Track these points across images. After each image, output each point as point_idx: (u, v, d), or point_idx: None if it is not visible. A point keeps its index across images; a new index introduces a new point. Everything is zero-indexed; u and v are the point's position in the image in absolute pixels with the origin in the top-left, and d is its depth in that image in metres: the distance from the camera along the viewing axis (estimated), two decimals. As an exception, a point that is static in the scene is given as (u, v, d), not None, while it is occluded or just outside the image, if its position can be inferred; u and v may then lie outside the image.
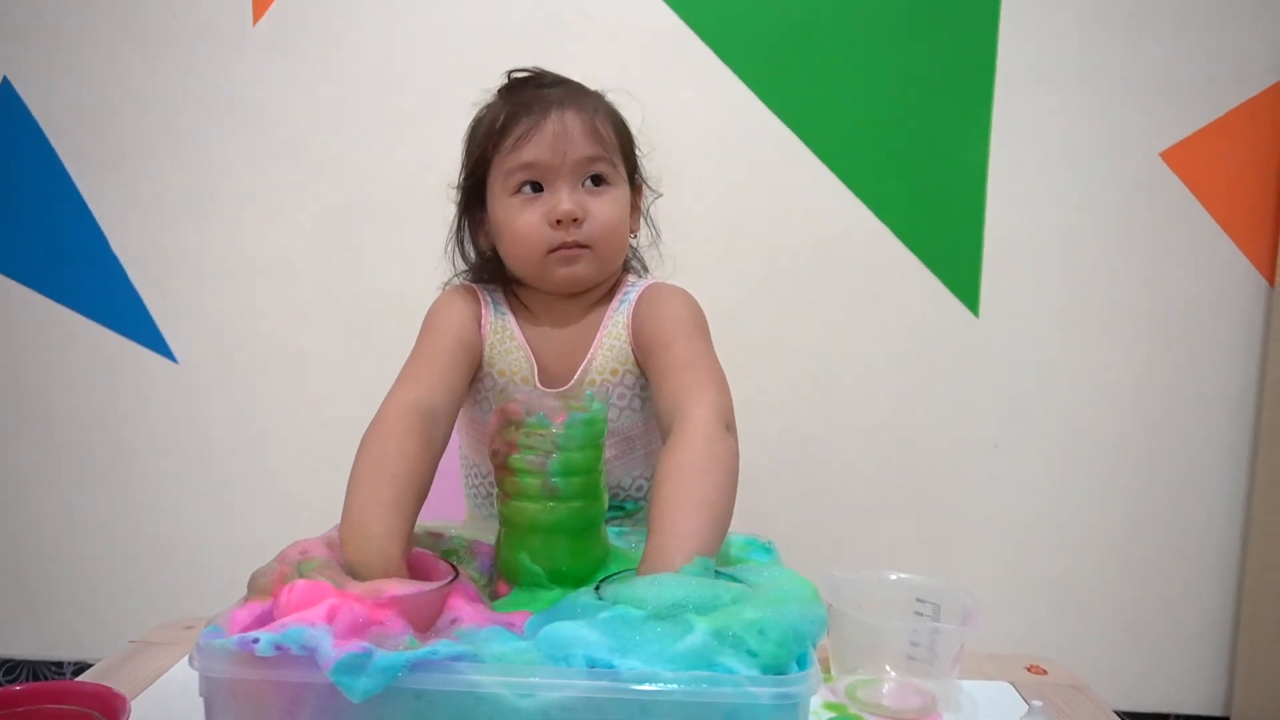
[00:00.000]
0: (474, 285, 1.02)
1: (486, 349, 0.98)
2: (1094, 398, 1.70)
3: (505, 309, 1.00)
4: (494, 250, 1.00)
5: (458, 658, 0.61)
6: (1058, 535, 1.73)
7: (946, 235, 1.69)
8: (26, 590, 1.84)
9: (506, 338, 0.98)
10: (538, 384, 0.97)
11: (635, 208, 1.03)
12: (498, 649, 0.63)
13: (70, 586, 1.83)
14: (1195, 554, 1.73)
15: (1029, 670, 0.96)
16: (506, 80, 0.99)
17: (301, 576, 0.68)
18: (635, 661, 0.60)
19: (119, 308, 1.75)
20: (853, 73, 1.65)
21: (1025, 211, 1.66)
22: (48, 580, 1.84)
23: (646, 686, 0.59)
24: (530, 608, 0.75)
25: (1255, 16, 1.60)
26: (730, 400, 0.87)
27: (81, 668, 1.85)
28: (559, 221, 0.92)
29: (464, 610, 0.70)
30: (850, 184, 1.68)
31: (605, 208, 0.94)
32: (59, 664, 1.86)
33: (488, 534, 0.90)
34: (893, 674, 0.90)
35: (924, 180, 1.68)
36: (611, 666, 0.60)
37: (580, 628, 0.63)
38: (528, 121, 0.92)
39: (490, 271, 1.02)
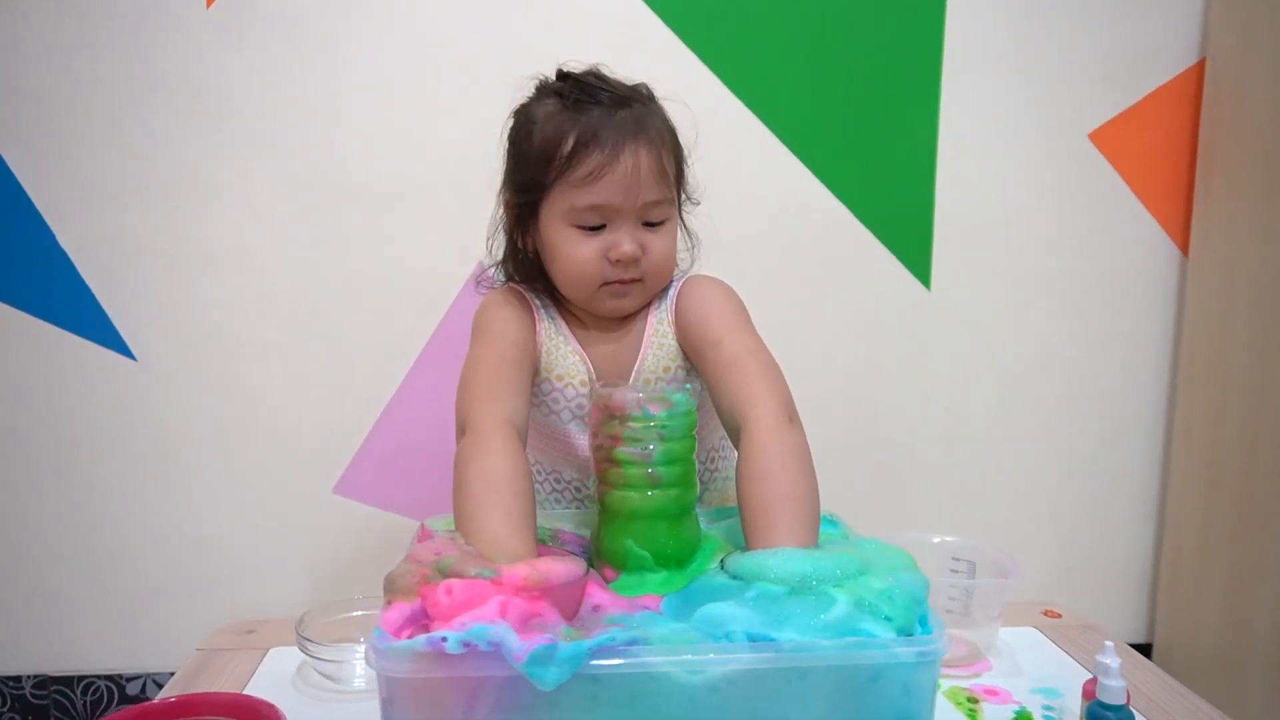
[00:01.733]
0: (520, 288, 1.03)
1: (543, 355, 1.00)
2: (1034, 361, 1.84)
3: (556, 315, 1.02)
4: (537, 254, 1.02)
5: (631, 642, 0.65)
6: (1002, 489, 1.88)
7: (900, 212, 1.78)
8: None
9: (561, 343, 1.01)
10: (595, 386, 1.00)
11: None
12: (658, 632, 0.68)
13: (25, 599, 1.75)
14: (1121, 498, 1.91)
15: (1045, 615, 1.07)
16: (563, 81, 0.98)
17: (444, 574, 0.70)
18: (790, 633, 0.66)
19: (69, 304, 1.66)
20: (810, 56, 1.72)
21: (972, 190, 1.78)
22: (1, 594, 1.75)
23: (807, 656, 0.65)
24: (641, 590, 0.80)
25: (1172, 4, 1.74)
26: (786, 387, 0.92)
27: (42, 680, 1.78)
28: (618, 260, 0.94)
29: (603, 597, 0.75)
30: (809, 164, 1.75)
31: (662, 243, 0.97)
32: (16, 679, 1.78)
33: (567, 522, 0.94)
34: (937, 627, 0.99)
35: (878, 160, 1.76)
36: (771, 639, 0.66)
37: (732, 607, 0.68)
38: (600, 157, 0.91)
39: (533, 271, 1.03)
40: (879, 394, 1.84)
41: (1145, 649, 1.95)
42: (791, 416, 0.88)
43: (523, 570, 0.70)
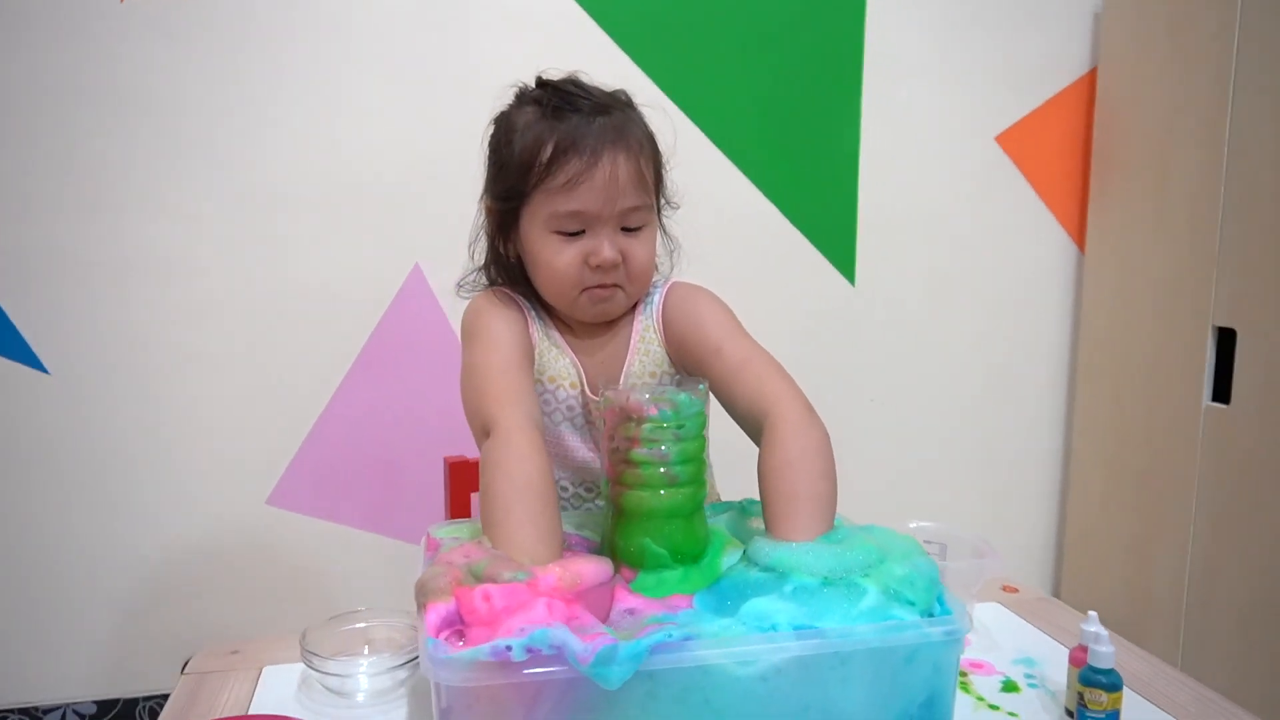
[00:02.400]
0: (508, 291, 1.03)
1: (537, 357, 1.00)
2: (949, 351, 1.95)
3: (547, 318, 1.02)
4: (519, 259, 1.02)
5: (686, 638, 0.67)
6: (924, 470, 1.98)
7: (826, 212, 1.86)
8: None
9: (553, 345, 1.01)
10: (586, 390, 1.01)
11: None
12: (708, 628, 0.70)
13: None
14: (1028, 476, 2.04)
15: (1005, 590, 1.14)
16: (542, 89, 0.98)
17: (476, 578, 0.70)
18: (832, 622, 0.69)
19: (-29, 316, 1.56)
20: (742, 64, 1.77)
21: (891, 191, 1.87)
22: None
23: (850, 641, 0.68)
24: (661, 589, 0.81)
25: (1070, 15, 1.88)
26: (794, 382, 0.96)
27: (-52, 718, 1.66)
28: (598, 265, 0.95)
29: (634, 601, 0.76)
30: (741, 166, 1.81)
31: (641, 249, 0.98)
32: (-84, 718, 1.66)
33: (568, 524, 0.95)
34: (916, 608, 1.05)
35: (806, 163, 1.83)
36: (815, 629, 0.69)
37: (774, 601, 0.71)
38: (579, 164, 0.92)
39: (517, 276, 1.03)
40: (806, 386, 1.89)
41: (1053, 618, 2.09)
42: (812, 410, 0.91)
43: (556, 571, 0.71)
